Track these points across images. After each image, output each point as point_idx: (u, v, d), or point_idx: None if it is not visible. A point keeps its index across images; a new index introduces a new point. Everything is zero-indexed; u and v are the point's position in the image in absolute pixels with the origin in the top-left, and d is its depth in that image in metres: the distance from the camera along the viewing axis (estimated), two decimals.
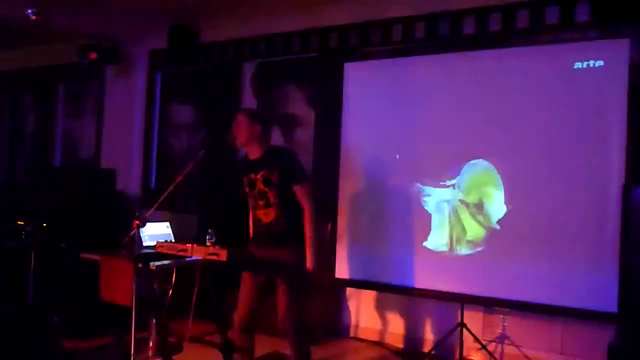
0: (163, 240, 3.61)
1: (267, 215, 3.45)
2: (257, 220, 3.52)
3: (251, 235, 3.62)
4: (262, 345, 3.89)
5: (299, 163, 3.51)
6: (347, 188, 4.97)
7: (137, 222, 3.33)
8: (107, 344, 4.64)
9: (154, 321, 4.09)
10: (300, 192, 3.41)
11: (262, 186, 3.43)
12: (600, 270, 3.91)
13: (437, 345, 4.52)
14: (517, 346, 4.43)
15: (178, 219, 5.73)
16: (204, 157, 3.64)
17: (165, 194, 3.34)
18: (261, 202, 3.45)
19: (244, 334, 3.48)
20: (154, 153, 6.68)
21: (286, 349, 3.61)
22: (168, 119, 6.61)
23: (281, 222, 3.43)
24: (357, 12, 5.21)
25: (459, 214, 4.45)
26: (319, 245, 3.45)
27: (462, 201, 4.44)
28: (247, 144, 3.48)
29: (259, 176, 3.44)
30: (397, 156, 4.72)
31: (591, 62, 4.02)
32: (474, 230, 4.38)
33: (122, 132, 6.83)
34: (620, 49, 3.91)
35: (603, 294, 3.85)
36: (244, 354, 3.50)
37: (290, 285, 3.41)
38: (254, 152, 3.50)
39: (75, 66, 6.98)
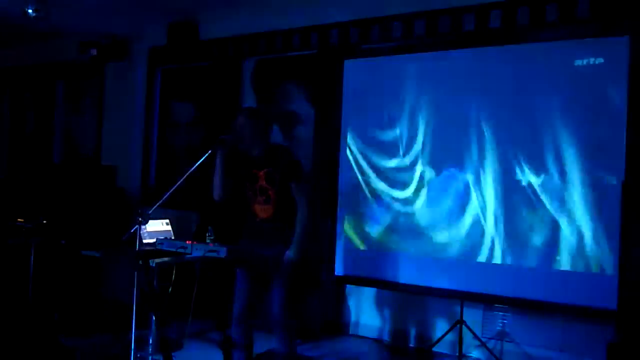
0: (163, 238, 3.62)
1: (265, 211, 3.49)
2: (252, 215, 3.54)
3: (244, 229, 3.63)
4: (261, 342, 3.90)
5: (299, 162, 3.56)
6: (347, 185, 4.97)
7: (140, 219, 3.33)
8: (108, 341, 4.64)
9: (154, 318, 4.09)
10: (296, 190, 3.47)
11: (264, 183, 3.46)
12: (600, 268, 3.91)
13: (436, 342, 4.53)
14: (516, 343, 4.43)
15: (178, 216, 5.73)
16: (208, 156, 3.62)
17: (169, 193, 3.33)
18: (261, 198, 3.49)
19: (242, 327, 3.51)
20: (154, 150, 6.68)
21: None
22: (168, 116, 6.61)
23: (277, 219, 3.48)
24: (357, 8, 5.20)
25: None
26: (315, 242, 3.51)
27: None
28: (252, 144, 3.49)
29: (261, 173, 3.47)
30: None
31: (591, 60, 4.02)
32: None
33: (123, 129, 6.83)
34: (620, 46, 3.92)
35: (603, 291, 3.85)
36: (243, 350, 3.52)
37: (285, 282, 3.45)
38: (255, 149, 3.51)
39: (75, 63, 6.98)
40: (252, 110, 3.74)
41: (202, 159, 3.44)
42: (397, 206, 4.72)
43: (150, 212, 3.30)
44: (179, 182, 3.36)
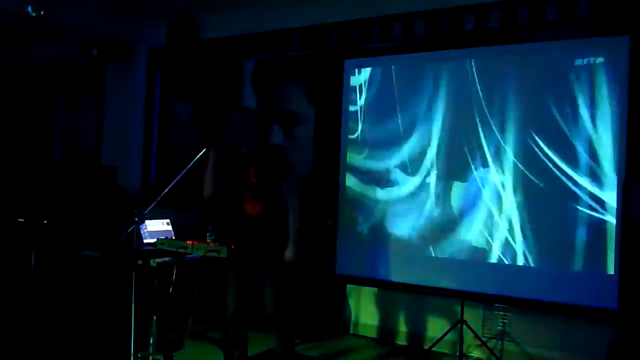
0: (163, 237, 3.63)
1: (254, 209, 3.52)
2: (243, 212, 3.57)
3: (235, 227, 3.64)
4: (258, 342, 3.91)
5: (288, 160, 3.60)
6: (348, 184, 4.98)
7: (136, 219, 3.34)
8: (108, 341, 4.64)
9: (155, 318, 4.09)
10: (286, 188, 3.51)
11: (254, 180, 3.49)
12: (600, 267, 3.91)
13: (437, 341, 4.53)
14: (517, 343, 4.43)
15: (179, 215, 5.73)
16: (203, 154, 3.64)
17: (164, 191, 3.35)
18: (250, 195, 3.52)
19: (235, 326, 3.53)
20: (154, 150, 6.68)
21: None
22: (168, 116, 6.61)
23: (267, 216, 3.51)
24: (357, 8, 5.20)
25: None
26: (312, 240, 3.53)
27: None
28: (244, 142, 3.51)
29: (252, 170, 3.49)
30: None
31: (591, 59, 4.02)
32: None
33: (123, 129, 6.83)
34: (620, 45, 3.92)
35: (603, 290, 3.86)
36: (237, 349, 3.56)
37: (276, 280, 3.48)
38: (247, 147, 3.55)
39: (75, 62, 6.97)
40: (244, 109, 3.80)
41: (197, 157, 3.47)
42: (397, 206, 4.72)
43: (146, 212, 3.32)
44: (174, 181, 3.38)
